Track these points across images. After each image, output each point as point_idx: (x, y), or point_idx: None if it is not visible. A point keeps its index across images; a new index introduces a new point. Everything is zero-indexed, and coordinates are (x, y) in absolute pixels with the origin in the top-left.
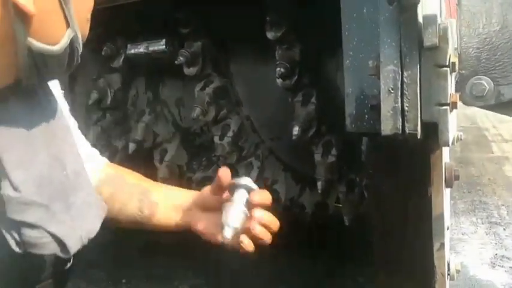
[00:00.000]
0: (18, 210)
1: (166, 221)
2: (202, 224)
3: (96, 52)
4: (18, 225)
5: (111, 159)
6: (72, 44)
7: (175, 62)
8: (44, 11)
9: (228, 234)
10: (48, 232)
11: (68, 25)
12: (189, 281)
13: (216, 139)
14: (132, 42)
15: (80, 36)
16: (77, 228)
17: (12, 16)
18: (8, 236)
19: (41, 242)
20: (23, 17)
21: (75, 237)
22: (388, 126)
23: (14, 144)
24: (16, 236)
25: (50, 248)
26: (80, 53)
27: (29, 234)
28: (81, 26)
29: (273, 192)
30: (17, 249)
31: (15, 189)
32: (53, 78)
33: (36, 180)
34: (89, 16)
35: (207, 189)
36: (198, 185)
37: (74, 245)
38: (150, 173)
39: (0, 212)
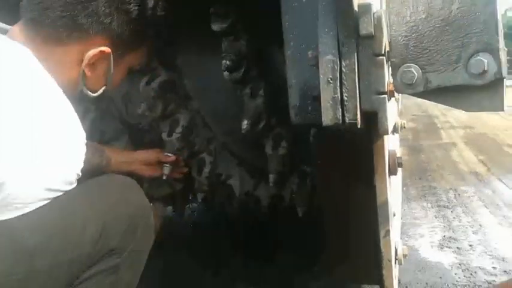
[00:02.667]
0: None
1: (118, 168)
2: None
3: None
4: None
5: None
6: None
7: None
8: (95, 76)
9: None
10: None
11: (104, 84)
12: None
13: (165, 135)
14: None
15: (109, 88)
16: None
17: (80, 75)
18: None
19: None
20: (84, 77)
21: None
22: (328, 116)
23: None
24: None
25: None
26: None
27: None
28: (114, 84)
29: (227, 187)
30: None
31: None
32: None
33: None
34: (120, 80)
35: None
36: (149, 184)
37: None
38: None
39: None
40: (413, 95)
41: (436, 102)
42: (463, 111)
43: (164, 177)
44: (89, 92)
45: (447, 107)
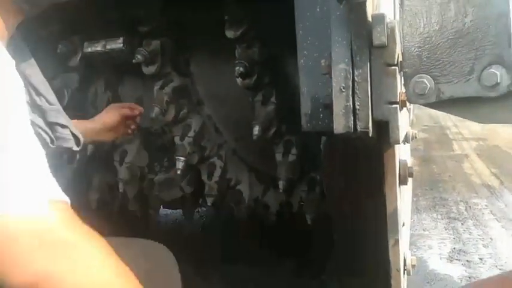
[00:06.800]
0: (53, 116)
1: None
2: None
3: (51, 50)
4: (54, 126)
5: (70, 161)
6: None
7: (133, 60)
8: None
9: None
10: (71, 130)
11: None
12: None
13: (177, 139)
14: (89, 40)
15: None
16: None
17: None
18: (45, 135)
19: (67, 138)
20: None
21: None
22: (340, 124)
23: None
24: (51, 134)
25: (71, 143)
26: None
27: (61, 131)
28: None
29: (236, 192)
30: (50, 145)
31: (50, 103)
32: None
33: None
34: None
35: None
36: (160, 186)
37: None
38: (110, 175)
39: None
40: (426, 105)
41: (448, 113)
42: (476, 123)
43: (130, 131)
44: None
45: (460, 118)
